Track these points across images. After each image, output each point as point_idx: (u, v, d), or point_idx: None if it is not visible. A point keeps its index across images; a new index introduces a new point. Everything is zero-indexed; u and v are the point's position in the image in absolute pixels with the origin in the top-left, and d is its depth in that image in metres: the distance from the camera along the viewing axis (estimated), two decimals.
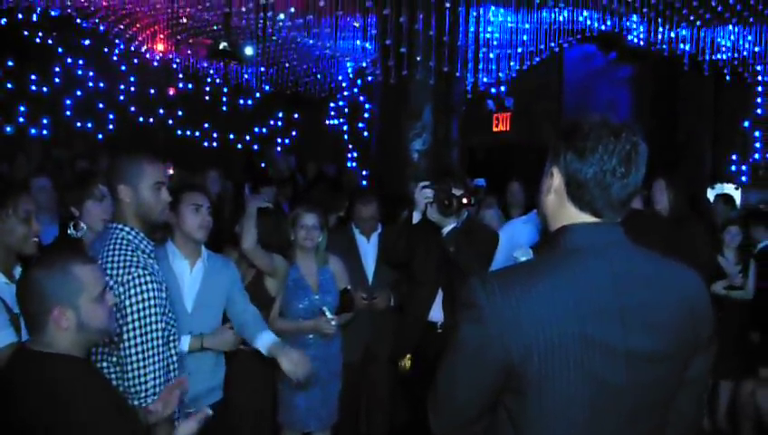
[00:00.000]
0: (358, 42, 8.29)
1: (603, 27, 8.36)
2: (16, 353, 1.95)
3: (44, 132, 9.89)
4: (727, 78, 9.26)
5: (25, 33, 9.24)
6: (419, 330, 3.79)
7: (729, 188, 9.54)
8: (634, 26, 8.58)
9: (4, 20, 8.35)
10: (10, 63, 9.58)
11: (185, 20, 8.51)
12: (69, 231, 2.97)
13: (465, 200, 3.58)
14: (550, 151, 1.51)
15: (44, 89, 9.97)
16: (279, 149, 11.46)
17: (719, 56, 8.90)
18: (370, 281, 4.21)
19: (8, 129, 9.56)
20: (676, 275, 1.47)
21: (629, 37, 8.87)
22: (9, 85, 9.64)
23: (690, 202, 4.79)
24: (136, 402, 2.26)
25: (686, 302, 1.44)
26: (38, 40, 9.56)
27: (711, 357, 1.52)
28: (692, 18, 7.73)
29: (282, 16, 7.21)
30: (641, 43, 8.86)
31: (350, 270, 4.00)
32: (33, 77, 9.86)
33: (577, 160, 1.42)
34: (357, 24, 7.19)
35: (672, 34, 8.39)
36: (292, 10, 6.88)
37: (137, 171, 2.40)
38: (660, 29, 8.18)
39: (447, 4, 5.88)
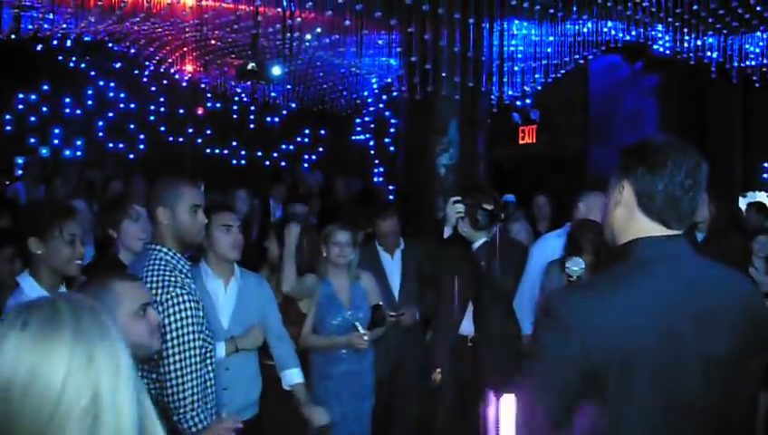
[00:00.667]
0: (383, 58, 8.38)
1: (628, 37, 8.32)
2: None
3: (78, 154, 10.15)
4: (756, 85, 9.12)
5: (60, 58, 9.54)
6: (450, 344, 3.83)
7: (761, 196, 9.38)
8: (659, 35, 8.52)
9: (40, 46, 8.61)
10: (45, 88, 9.88)
11: (213, 42, 8.70)
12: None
13: (496, 215, 3.62)
14: (617, 167, 1.61)
15: (78, 111, 10.25)
16: (306, 165, 11.58)
17: (748, 63, 8.78)
18: (396, 297, 4.26)
19: (44, 151, 9.83)
20: (736, 281, 1.58)
21: (655, 46, 8.81)
22: (44, 109, 9.93)
23: (730, 214, 4.74)
24: (175, 418, 2.33)
25: (747, 306, 1.53)
26: (72, 64, 9.85)
27: (766, 357, 1.59)
28: (718, 26, 7.66)
29: (308, 37, 7.33)
30: (667, 51, 8.79)
31: None
32: (67, 100, 10.14)
33: (649, 174, 1.52)
34: (381, 42, 7.27)
35: (698, 42, 8.32)
36: (319, 30, 7.00)
37: (174, 194, 2.46)
38: (686, 37, 8.11)
39: (471, 20, 5.93)
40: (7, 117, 9.70)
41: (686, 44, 8.33)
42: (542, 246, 4.14)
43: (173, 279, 2.36)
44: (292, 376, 3.30)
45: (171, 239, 2.47)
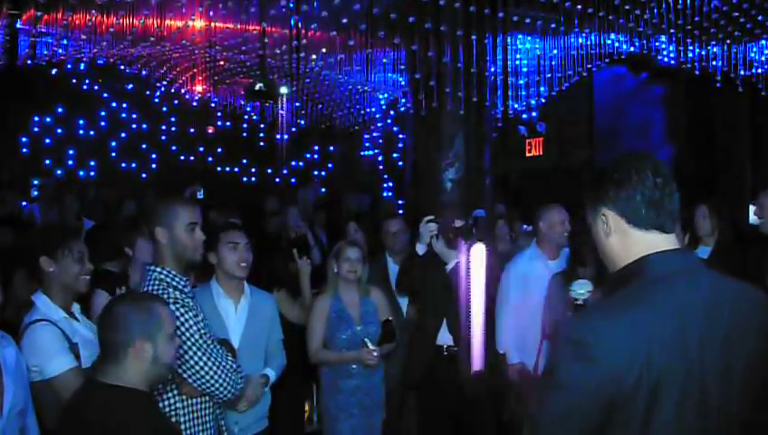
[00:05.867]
0: (390, 74, 8.47)
1: (632, 49, 8.37)
2: (85, 384, 2.16)
3: (92, 174, 10.32)
4: (762, 93, 9.13)
5: (74, 81, 9.74)
6: (429, 354, 3.92)
7: None
8: (663, 46, 8.57)
9: (55, 70, 8.81)
10: (60, 110, 10.07)
11: (222, 62, 8.85)
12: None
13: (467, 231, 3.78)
14: (587, 203, 1.61)
15: (91, 133, 10.43)
16: (317, 181, 11.70)
17: (753, 71, 8.80)
18: (404, 310, 4.35)
19: (59, 172, 10.01)
20: (752, 297, 1.55)
21: (659, 57, 8.85)
22: (59, 131, 10.12)
23: (733, 228, 4.66)
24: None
25: (765, 319, 1.52)
26: (85, 87, 10.05)
27: None
28: (721, 36, 7.71)
29: (314, 57, 7.45)
30: (672, 62, 8.83)
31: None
32: (80, 122, 10.33)
33: (622, 191, 1.53)
34: (385, 60, 7.38)
35: (702, 52, 8.35)
36: (324, 50, 7.11)
37: (170, 213, 2.54)
38: (690, 48, 8.15)
39: (474, 37, 6.00)
40: (24, 139, 9.89)
41: (690, 54, 8.37)
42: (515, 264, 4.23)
43: (165, 295, 2.43)
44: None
45: (171, 258, 2.54)
